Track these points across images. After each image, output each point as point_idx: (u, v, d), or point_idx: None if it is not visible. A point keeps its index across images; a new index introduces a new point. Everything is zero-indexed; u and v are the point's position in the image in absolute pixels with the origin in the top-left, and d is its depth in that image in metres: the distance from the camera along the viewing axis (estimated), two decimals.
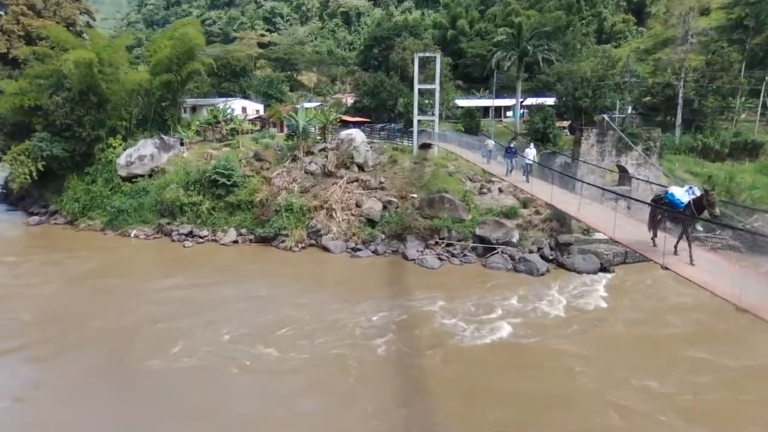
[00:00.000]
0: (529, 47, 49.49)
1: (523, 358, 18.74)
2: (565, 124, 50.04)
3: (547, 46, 52.46)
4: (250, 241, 33.06)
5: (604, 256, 27.47)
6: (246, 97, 64.26)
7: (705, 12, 71.27)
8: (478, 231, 29.94)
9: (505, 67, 52.59)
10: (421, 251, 29.77)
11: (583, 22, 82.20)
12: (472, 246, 29.90)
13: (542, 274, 26.78)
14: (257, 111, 59.53)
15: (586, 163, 26.87)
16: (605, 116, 30.71)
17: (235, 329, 20.73)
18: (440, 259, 28.83)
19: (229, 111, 45.10)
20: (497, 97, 56.64)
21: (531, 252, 28.73)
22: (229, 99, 56.97)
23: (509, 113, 62.02)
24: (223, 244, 32.69)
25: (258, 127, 52.49)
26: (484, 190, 34.51)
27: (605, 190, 18.37)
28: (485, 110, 59.37)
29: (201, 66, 42.79)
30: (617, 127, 28.89)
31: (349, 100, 65.68)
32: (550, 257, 28.78)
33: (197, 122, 45.31)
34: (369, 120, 54.37)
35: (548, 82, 56.11)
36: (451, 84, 61.81)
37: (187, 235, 33.73)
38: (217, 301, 23.66)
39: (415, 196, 34.04)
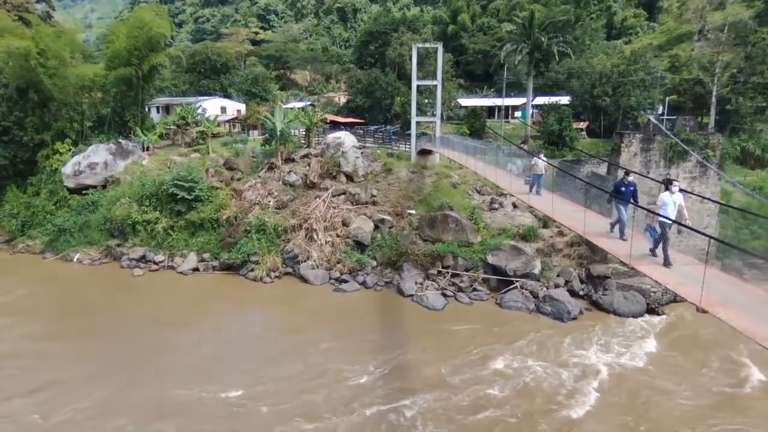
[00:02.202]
0: (542, 39, 43.77)
1: None
2: (582, 125, 44.52)
3: (563, 38, 46.68)
4: (214, 268, 27.37)
5: (651, 293, 21.75)
6: (227, 95, 58.56)
7: (720, 6, 66.09)
8: (490, 259, 24.25)
9: (515, 61, 46.98)
10: (421, 284, 24.13)
11: (592, 16, 77.13)
12: (483, 278, 24.23)
13: (574, 318, 21.10)
14: (238, 111, 53.82)
15: (635, 173, 21.07)
16: (651, 117, 25.14)
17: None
18: (444, 295, 23.08)
19: (199, 111, 39.29)
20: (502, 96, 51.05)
21: (557, 287, 23.07)
22: (207, 97, 51.33)
23: (517, 113, 56.40)
24: (181, 273, 26.97)
25: (238, 130, 46.88)
26: (495, 205, 28.96)
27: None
28: (489, 110, 53.79)
29: (165, 59, 37.11)
30: (668, 130, 23.21)
31: (342, 99, 60.24)
32: (581, 292, 23.13)
33: (164, 124, 39.56)
34: (363, 121, 49.01)
35: (558, 80, 50.65)
36: (453, 81, 56.14)
37: (138, 260, 28.09)
38: (84, 359, 18.21)
39: (413, 212, 28.39)
